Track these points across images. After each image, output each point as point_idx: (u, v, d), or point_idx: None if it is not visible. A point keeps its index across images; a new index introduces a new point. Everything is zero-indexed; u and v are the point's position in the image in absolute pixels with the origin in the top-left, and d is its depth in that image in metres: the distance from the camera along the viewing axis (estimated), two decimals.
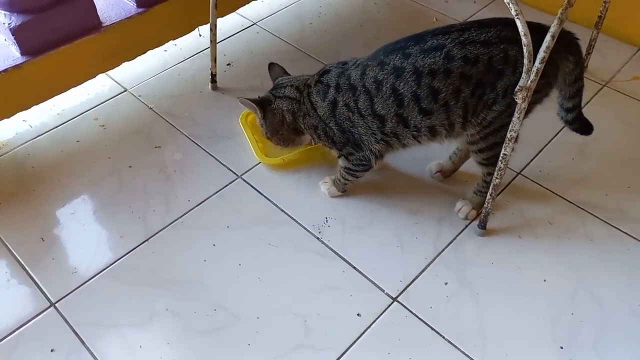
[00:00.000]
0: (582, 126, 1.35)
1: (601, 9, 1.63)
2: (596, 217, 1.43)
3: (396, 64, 1.19)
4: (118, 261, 1.34)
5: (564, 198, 1.47)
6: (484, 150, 1.28)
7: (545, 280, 1.30)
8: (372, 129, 1.27)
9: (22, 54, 1.51)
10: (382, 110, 1.24)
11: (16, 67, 1.49)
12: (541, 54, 1.06)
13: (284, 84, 1.40)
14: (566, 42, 1.21)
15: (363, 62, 1.26)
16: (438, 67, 1.16)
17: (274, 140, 1.45)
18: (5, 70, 1.48)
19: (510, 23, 1.09)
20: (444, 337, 1.21)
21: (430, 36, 1.17)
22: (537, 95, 1.23)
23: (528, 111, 1.25)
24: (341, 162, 1.41)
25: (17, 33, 1.48)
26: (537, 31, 1.07)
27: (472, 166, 1.48)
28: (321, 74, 1.33)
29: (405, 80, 1.18)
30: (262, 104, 1.39)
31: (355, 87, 1.25)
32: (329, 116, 1.31)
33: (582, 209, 1.45)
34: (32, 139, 1.63)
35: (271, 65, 1.47)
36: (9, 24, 1.47)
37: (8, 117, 1.56)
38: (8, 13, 1.49)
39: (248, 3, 2.01)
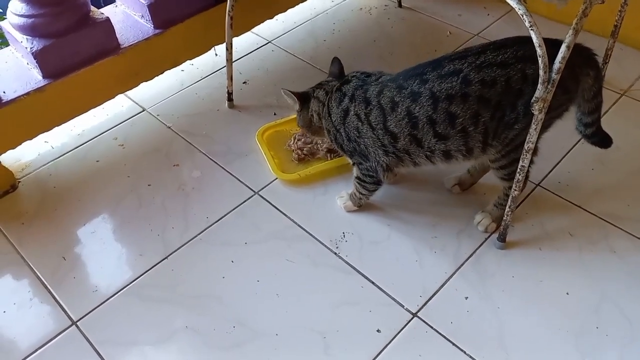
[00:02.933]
0: (601, 139, 1.34)
1: (617, 17, 1.62)
2: (618, 228, 1.40)
3: (413, 89, 1.20)
4: (138, 279, 1.35)
5: (584, 209, 1.45)
6: (505, 166, 1.27)
7: (567, 293, 1.28)
8: (382, 142, 1.28)
9: (44, 77, 1.55)
10: (395, 129, 1.24)
11: (38, 90, 1.53)
12: (557, 64, 1.05)
13: (322, 84, 1.41)
14: (586, 58, 1.21)
15: (384, 80, 1.27)
16: (455, 91, 1.16)
17: (304, 130, 1.47)
18: (27, 93, 1.52)
19: (526, 41, 1.09)
20: (465, 352, 1.19)
21: (447, 61, 1.18)
22: (558, 110, 1.22)
23: (548, 125, 1.24)
24: (354, 171, 1.42)
25: (39, 57, 1.52)
26: (554, 45, 1.06)
27: (490, 178, 1.46)
28: (343, 82, 1.35)
29: (421, 104, 1.19)
30: (302, 99, 1.41)
31: (370, 102, 1.27)
32: (339, 123, 1.33)
33: (603, 220, 1.42)
34: (54, 160, 1.66)
35: (334, 60, 1.45)
36: (31, 48, 1.51)
37: (31, 138, 1.60)
38: (30, 38, 1.53)
39: (262, 22, 2.04)
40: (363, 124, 1.28)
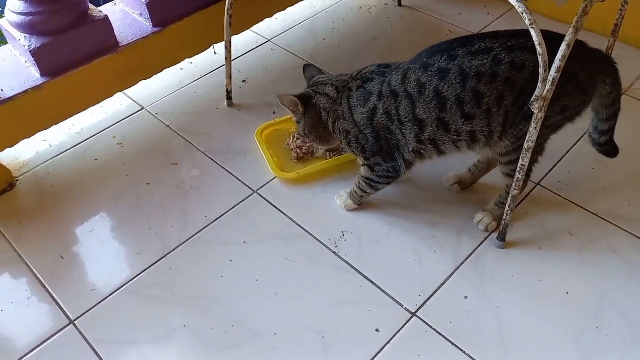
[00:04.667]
0: (611, 149, 1.34)
1: (617, 16, 1.61)
2: (619, 227, 1.40)
3: (441, 66, 1.17)
4: (136, 278, 1.35)
5: (584, 209, 1.45)
6: (514, 161, 1.25)
7: (567, 293, 1.27)
8: (408, 138, 1.26)
9: (42, 75, 1.55)
10: (423, 115, 1.21)
11: (36, 88, 1.52)
12: (557, 62, 1.05)
13: (324, 82, 1.38)
14: (605, 64, 1.21)
15: (404, 66, 1.25)
16: (485, 69, 1.14)
17: (311, 138, 1.43)
18: (25, 92, 1.51)
19: (554, 37, 1.08)
20: (464, 352, 1.18)
21: (478, 39, 1.17)
22: (574, 111, 1.22)
23: (559, 127, 1.25)
24: (363, 172, 1.39)
25: (36, 55, 1.51)
26: (559, 41, 1.05)
27: (490, 178, 1.46)
28: (365, 81, 1.30)
29: (450, 82, 1.17)
30: (304, 99, 1.37)
31: (397, 93, 1.23)
32: (365, 123, 1.29)
33: (603, 219, 1.42)
34: (52, 158, 1.66)
35: (306, 67, 1.46)
36: (29, 46, 1.50)
37: (29, 137, 1.59)
38: (28, 35, 1.52)
39: (262, 21, 2.03)
40: (393, 122, 1.26)
